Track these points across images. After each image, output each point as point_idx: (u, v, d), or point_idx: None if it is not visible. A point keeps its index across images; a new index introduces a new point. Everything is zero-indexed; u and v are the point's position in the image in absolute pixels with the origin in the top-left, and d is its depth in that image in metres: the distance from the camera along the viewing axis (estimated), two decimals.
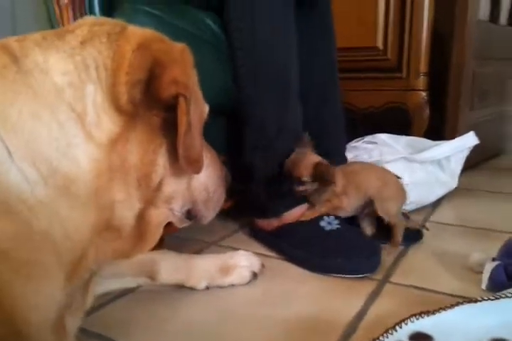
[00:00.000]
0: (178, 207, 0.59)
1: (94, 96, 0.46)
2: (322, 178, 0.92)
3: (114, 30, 0.49)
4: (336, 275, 0.88)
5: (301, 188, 0.94)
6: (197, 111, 0.53)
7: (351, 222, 1.02)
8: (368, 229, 1.02)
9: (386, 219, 0.97)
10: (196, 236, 1.10)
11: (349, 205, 1.00)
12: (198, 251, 1.02)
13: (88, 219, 0.48)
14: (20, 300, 0.43)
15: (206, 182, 0.63)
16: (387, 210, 0.97)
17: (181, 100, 0.48)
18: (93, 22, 0.51)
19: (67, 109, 0.45)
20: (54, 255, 0.46)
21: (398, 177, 1.05)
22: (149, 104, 0.49)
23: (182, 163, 0.53)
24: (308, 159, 0.93)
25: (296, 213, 1.00)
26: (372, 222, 1.02)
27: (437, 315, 0.64)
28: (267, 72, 0.94)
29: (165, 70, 0.48)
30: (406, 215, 1.04)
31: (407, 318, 0.64)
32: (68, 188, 0.45)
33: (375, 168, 1.07)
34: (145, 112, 0.49)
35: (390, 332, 0.61)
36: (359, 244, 0.92)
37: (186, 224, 0.65)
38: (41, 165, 0.43)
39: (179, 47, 0.53)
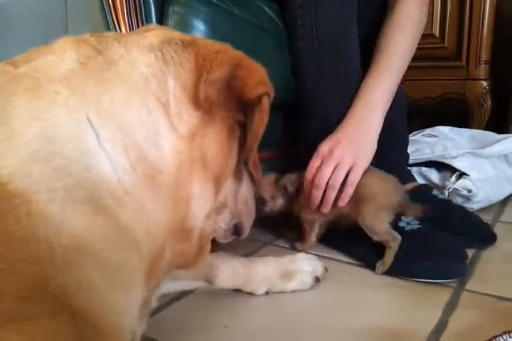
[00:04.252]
0: (227, 220, 0.58)
1: (174, 90, 0.46)
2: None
3: (185, 37, 0.50)
4: (421, 280, 0.81)
5: (266, 209, 0.93)
6: None
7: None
8: None
9: (374, 238, 0.87)
10: (250, 235, 1.05)
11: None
12: (254, 252, 0.98)
13: (167, 213, 0.46)
14: (109, 310, 0.40)
15: (246, 194, 0.62)
16: (373, 229, 0.87)
17: (266, 100, 0.49)
18: (161, 28, 0.54)
19: (153, 98, 0.45)
20: (137, 254, 0.44)
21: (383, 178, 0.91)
22: (225, 105, 0.49)
23: (251, 166, 0.55)
24: (265, 179, 0.92)
25: None
26: None
27: None
28: (331, 62, 0.89)
29: (251, 71, 0.49)
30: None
31: (499, 335, 0.57)
32: (154, 178, 0.44)
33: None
34: (221, 112, 0.49)
35: None
36: (445, 246, 0.84)
37: (230, 239, 0.64)
38: (131, 152, 0.42)
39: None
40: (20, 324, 0.35)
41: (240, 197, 0.60)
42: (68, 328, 0.37)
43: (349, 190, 0.85)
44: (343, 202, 0.86)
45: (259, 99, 0.49)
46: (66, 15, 0.94)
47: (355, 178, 0.85)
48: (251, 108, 0.50)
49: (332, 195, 0.86)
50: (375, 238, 0.86)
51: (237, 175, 0.57)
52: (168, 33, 0.50)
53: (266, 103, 0.49)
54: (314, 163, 0.87)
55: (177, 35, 0.50)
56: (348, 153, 0.85)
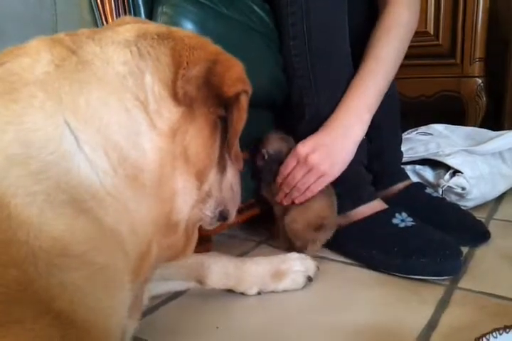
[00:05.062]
0: (212, 208, 0.58)
1: (152, 86, 0.45)
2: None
3: (161, 30, 0.50)
4: (415, 277, 0.81)
5: (260, 163, 0.95)
6: None
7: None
8: None
9: (297, 243, 0.92)
10: (245, 235, 1.05)
11: None
12: (248, 251, 0.98)
13: (152, 211, 0.46)
14: (94, 312, 0.40)
15: (231, 181, 0.62)
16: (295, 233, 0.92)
17: (243, 97, 0.49)
18: (136, 20, 0.53)
19: (131, 96, 0.44)
20: (122, 254, 0.44)
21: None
22: (205, 101, 0.49)
23: (233, 159, 0.56)
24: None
25: (364, 211, 0.93)
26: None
27: None
28: (322, 60, 0.89)
29: (228, 68, 0.48)
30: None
31: (489, 333, 0.57)
32: (136, 178, 0.44)
33: None
34: (201, 108, 0.48)
35: None
36: (440, 243, 0.84)
37: (215, 225, 0.64)
38: (112, 154, 0.42)
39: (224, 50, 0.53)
40: (4, 327, 0.35)
41: (225, 185, 0.60)
42: (53, 331, 0.37)
43: (308, 194, 0.90)
44: (299, 201, 0.91)
45: (236, 96, 0.49)
46: (56, 17, 0.94)
47: (318, 186, 0.89)
48: (230, 105, 0.49)
49: (295, 195, 0.91)
50: (298, 244, 0.91)
51: (221, 164, 0.57)
52: (143, 26, 0.49)
53: (244, 100, 0.49)
54: (290, 163, 0.90)
55: (152, 27, 0.49)
56: (323, 161, 0.86)
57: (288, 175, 0.90)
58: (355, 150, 0.88)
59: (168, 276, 0.75)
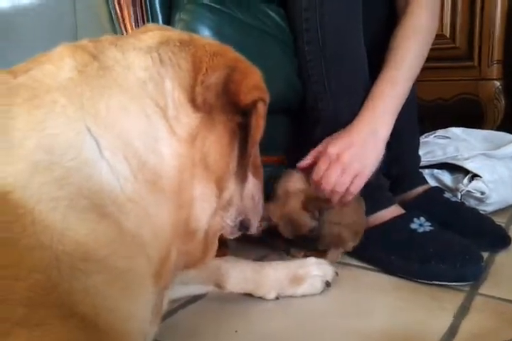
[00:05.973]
0: (232, 217, 0.58)
1: (172, 92, 0.46)
2: None
3: (184, 37, 0.50)
4: (435, 282, 0.80)
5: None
6: None
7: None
8: None
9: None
10: (261, 240, 1.05)
11: None
12: (265, 256, 0.98)
13: (171, 216, 0.47)
14: (116, 316, 0.41)
15: (253, 190, 0.62)
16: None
17: (261, 105, 0.49)
18: (160, 28, 0.54)
19: (151, 102, 0.44)
20: (144, 258, 0.44)
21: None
22: (224, 108, 0.49)
23: (252, 168, 0.55)
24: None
25: (382, 216, 0.93)
26: None
27: None
28: (337, 65, 0.89)
29: (246, 76, 0.49)
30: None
31: (510, 340, 0.56)
32: (156, 183, 0.44)
33: None
34: (220, 115, 0.49)
35: None
36: (460, 248, 0.83)
37: (237, 235, 0.63)
38: (132, 160, 0.43)
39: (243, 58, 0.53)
40: (30, 329, 0.36)
41: (246, 194, 0.60)
42: (81, 334, 0.38)
43: (348, 198, 0.88)
44: (340, 205, 0.89)
45: (253, 104, 0.49)
46: (76, 23, 0.96)
47: (358, 187, 0.87)
48: (248, 113, 0.49)
49: (336, 199, 0.88)
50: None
51: (242, 173, 0.56)
52: (166, 33, 0.50)
53: (261, 108, 0.49)
54: (322, 165, 0.87)
55: (175, 34, 0.50)
56: (355, 159, 0.85)
57: (321, 179, 0.88)
58: (384, 148, 0.88)
59: (187, 280, 0.76)
